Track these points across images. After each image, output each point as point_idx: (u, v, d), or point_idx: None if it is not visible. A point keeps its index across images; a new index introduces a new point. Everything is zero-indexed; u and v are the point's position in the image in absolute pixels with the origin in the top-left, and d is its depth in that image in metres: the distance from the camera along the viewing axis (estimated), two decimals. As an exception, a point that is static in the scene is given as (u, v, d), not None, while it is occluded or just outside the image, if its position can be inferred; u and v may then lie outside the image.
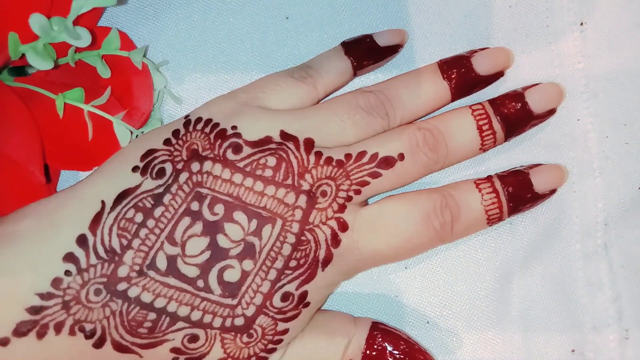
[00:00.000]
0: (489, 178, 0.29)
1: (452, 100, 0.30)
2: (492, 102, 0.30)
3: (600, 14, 0.31)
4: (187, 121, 0.28)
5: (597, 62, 0.31)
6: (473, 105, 0.30)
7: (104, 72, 0.29)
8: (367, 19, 0.32)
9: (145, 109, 0.30)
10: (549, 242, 0.31)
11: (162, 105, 0.31)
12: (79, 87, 0.29)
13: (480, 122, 0.29)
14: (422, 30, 0.31)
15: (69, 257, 0.26)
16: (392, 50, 0.31)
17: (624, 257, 0.31)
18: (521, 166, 0.30)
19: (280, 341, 0.27)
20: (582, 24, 0.31)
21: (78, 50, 0.29)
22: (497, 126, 0.29)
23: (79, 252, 0.26)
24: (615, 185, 0.31)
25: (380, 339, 0.28)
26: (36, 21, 0.27)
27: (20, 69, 0.29)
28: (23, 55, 0.27)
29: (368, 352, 0.28)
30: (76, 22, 0.28)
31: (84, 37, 0.28)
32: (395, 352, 0.28)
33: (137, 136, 0.30)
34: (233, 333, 0.26)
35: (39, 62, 0.27)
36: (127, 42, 0.30)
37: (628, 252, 0.31)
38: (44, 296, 0.25)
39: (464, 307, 0.31)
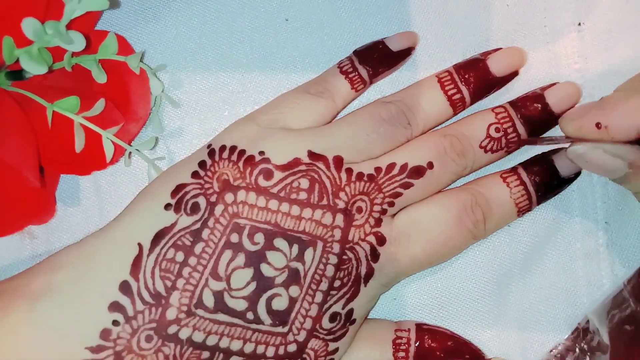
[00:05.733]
0: (514, 170, 0.30)
1: (471, 104, 0.30)
2: (512, 104, 0.30)
3: (598, 15, 0.31)
4: (211, 151, 0.27)
5: (594, 63, 0.31)
6: (495, 107, 0.30)
7: (100, 77, 0.28)
8: (367, 20, 0.31)
9: (142, 114, 0.30)
10: (548, 242, 0.31)
11: (160, 109, 0.31)
12: (73, 96, 0.28)
13: (505, 125, 0.29)
14: (422, 31, 0.31)
15: (115, 306, 0.25)
16: (406, 53, 0.30)
17: (625, 257, 0.31)
18: (542, 153, 0.30)
19: (332, 361, 0.27)
20: (580, 24, 0.31)
21: (75, 54, 0.28)
22: (520, 128, 0.29)
23: (124, 300, 0.25)
24: (613, 182, 0.31)
25: (429, 340, 0.29)
26: (29, 25, 0.26)
27: (17, 73, 0.28)
28: (20, 59, 0.26)
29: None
30: (72, 26, 0.27)
31: (77, 42, 0.27)
32: (444, 350, 0.29)
33: (130, 153, 0.29)
34: None
35: (33, 67, 0.26)
36: (124, 46, 0.29)
37: (629, 251, 0.31)
38: (95, 349, 0.24)
39: (461, 308, 0.31)
